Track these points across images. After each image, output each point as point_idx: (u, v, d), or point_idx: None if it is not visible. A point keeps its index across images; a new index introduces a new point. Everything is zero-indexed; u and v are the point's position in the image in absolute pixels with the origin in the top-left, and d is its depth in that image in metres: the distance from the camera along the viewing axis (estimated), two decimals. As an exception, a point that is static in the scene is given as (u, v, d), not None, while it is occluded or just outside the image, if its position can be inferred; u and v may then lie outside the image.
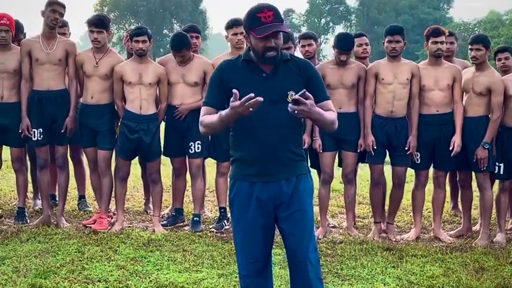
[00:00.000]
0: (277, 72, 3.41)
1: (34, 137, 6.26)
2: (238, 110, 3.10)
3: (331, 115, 3.40)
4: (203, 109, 3.49)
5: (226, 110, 3.19)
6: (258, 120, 3.29)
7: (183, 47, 6.20)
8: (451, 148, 6.05)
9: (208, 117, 3.40)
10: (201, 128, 3.45)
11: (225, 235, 6.20)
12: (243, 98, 3.07)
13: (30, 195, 7.49)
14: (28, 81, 6.23)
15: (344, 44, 6.19)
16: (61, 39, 6.28)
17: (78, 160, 7.24)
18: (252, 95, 3.05)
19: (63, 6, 6.18)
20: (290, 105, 3.11)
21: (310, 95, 3.13)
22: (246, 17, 3.39)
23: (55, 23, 6.15)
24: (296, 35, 6.88)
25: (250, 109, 3.09)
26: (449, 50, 6.62)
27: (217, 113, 3.36)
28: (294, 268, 3.49)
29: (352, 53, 6.33)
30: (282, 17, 3.38)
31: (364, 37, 6.82)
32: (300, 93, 3.12)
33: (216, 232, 6.27)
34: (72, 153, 7.13)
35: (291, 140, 3.42)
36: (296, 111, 3.10)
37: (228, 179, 3.60)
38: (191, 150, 6.37)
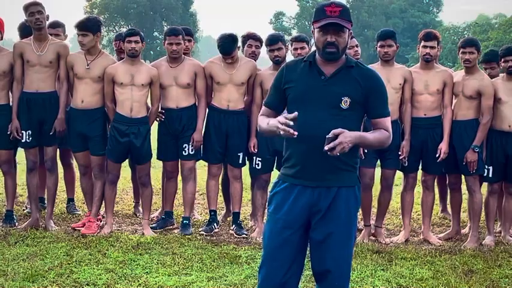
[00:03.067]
0: (336, 76, 3.33)
1: (23, 139, 6.23)
2: (277, 126, 3.15)
3: (379, 136, 3.34)
4: (262, 108, 3.59)
5: (271, 121, 3.25)
6: (308, 121, 3.25)
7: (232, 49, 6.19)
8: (437, 155, 6.07)
9: (261, 119, 3.46)
10: (257, 126, 3.54)
11: (214, 238, 6.19)
12: (289, 117, 3.12)
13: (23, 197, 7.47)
14: (20, 83, 6.19)
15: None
16: (53, 41, 6.24)
17: (67, 163, 7.20)
18: (293, 116, 3.11)
19: (37, 4, 6.10)
20: (325, 147, 3.09)
21: (339, 130, 3.10)
22: (314, 10, 3.38)
23: (39, 24, 6.10)
24: (287, 37, 6.85)
25: (282, 133, 3.13)
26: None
27: (273, 112, 3.47)
28: (316, 279, 3.45)
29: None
30: (350, 18, 3.33)
31: (354, 39, 6.78)
32: (334, 133, 3.10)
33: (205, 235, 6.25)
34: (61, 156, 7.09)
35: None
36: (330, 153, 3.09)
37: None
38: (184, 152, 6.36)
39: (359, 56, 6.68)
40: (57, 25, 6.78)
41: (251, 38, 6.69)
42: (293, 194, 3.35)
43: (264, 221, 6.59)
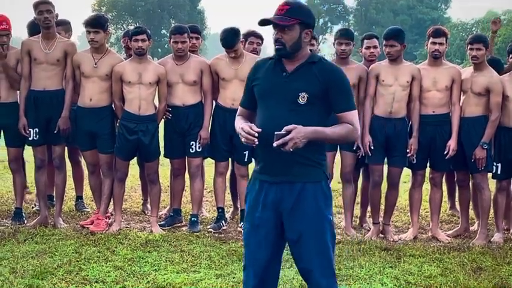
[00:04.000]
0: (297, 72, 3.36)
1: (30, 137, 6.26)
2: (239, 133, 3.28)
3: (340, 131, 3.32)
4: (239, 108, 3.63)
5: (239, 125, 3.33)
6: (269, 118, 3.32)
7: (234, 42, 6.18)
8: (445, 152, 6.05)
9: (236, 120, 3.54)
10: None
11: (222, 235, 6.20)
12: (254, 130, 3.21)
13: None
14: (27, 80, 6.21)
15: (343, 32, 6.31)
16: (61, 40, 6.26)
17: (76, 161, 7.22)
18: (256, 134, 3.19)
19: (47, 3, 6.13)
20: (274, 143, 3.12)
21: (292, 126, 3.13)
22: None
23: (48, 23, 6.12)
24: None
25: (243, 140, 3.24)
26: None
27: (247, 112, 3.55)
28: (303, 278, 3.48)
29: (352, 47, 6.28)
30: (301, 15, 3.34)
31: (375, 39, 6.60)
32: (286, 129, 3.12)
33: (213, 232, 6.26)
34: (69, 154, 7.12)
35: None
36: (282, 148, 3.12)
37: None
38: (191, 149, 6.36)
39: (374, 58, 6.58)
40: (60, 23, 6.79)
41: (252, 35, 6.71)
42: (263, 192, 3.38)
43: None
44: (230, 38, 6.15)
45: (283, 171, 3.32)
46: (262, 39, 6.70)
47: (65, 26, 6.85)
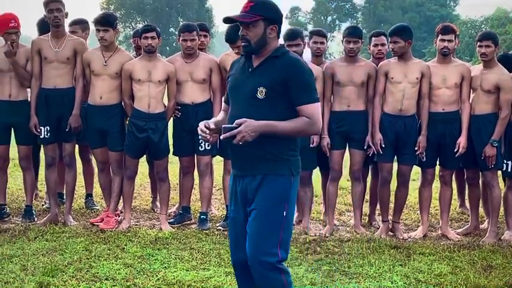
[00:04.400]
0: (259, 68, 3.43)
1: (41, 135, 6.28)
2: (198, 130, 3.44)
3: (295, 124, 3.34)
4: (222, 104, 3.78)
5: (203, 122, 3.45)
6: (234, 113, 3.43)
7: (237, 37, 6.16)
8: (456, 150, 6.03)
9: (219, 116, 3.72)
10: None
11: (232, 233, 6.19)
12: (203, 127, 3.37)
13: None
14: (38, 79, 6.23)
15: (351, 30, 6.29)
16: (71, 38, 6.28)
17: (86, 159, 7.24)
18: (207, 131, 3.38)
19: (57, 1, 6.14)
20: (221, 136, 3.23)
21: (243, 120, 3.21)
22: None
23: (57, 21, 6.14)
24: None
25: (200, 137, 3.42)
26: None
27: (227, 108, 3.64)
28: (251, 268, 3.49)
29: (360, 45, 6.26)
30: (264, 12, 3.42)
31: (383, 37, 6.60)
32: (236, 123, 3.21)
33: (223, 230, 6.26)
34: (80, 151, 7.14)
35: (261, 137, 3.30)
36: (233, 141, 3.20)
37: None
38: (201, 147, 6.36)
39: (382, 56, 6.58)
40: (73, 23, 6.80)
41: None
42: (235, 186, 3.52)
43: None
44: (233, 33, 6.14)
45: (248, 166, 3.42)
46: None
47: (82, 25, 6.87)
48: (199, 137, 3.42)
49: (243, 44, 3.44)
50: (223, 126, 3.24)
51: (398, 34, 6.04)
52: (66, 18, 6.27)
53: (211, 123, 3.42)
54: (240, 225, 3.51)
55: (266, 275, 3.40)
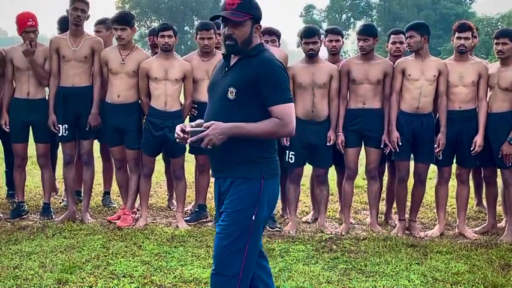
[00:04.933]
0: (233, 68, 3.32)
1: (59, 133, 6.33)
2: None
3: (264, 126, 3.20)
4: None
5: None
6: (208, 115, 3.36)
7: None
8: (472, 148, 6.00)
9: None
10: None
11: (248, 231, 6.20)
12: (178, 131, 3.30)
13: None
14: (56, 77, 6.28)
15: (362, 29, 6.26)
16: (88, 37, 6.33)
17: (107, 157, 7.28)
18: (181, 134, 3.27)
19: (85, 2, 6.21)
20: (188, 139, 3.16)
21: (210, 123, 3.13)
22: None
23: (78, 20, 6.20)
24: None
25: (177, 140, 3.30)
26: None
27: None
28: None
29: (372, 43, 6.21)
30: (252, 10, 3.27)
31: (402, 35, 6.54)
32: (194, 128, 3.19)
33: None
34: (102, 150, 7.19)
35: (231, 139, 3.20)
36: (200, 144, 3.13)
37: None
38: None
39: (400, 53, 6.55)
40: (98, 22, 6.83)
41: (266, 33, 6.51)
42: (215, 186, 3.47)
43: (297, 214, 6.61)
44: None
45: (220, 168, 3.37)
46: (278, 35, 6.64)
47: (107, 25, 6.91)
48: (176, 140, 3.32)
49: (228, 43, 3.26)
50: (190, 130, 3.14)
51: (414, 29, 6.03)
52: (86, 20, 6.31)
53: (187, 126, 3.31)
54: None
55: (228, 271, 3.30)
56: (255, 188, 3.28)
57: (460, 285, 4.74)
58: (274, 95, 3.23)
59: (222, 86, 3.31)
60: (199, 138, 3.11)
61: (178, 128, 3.31)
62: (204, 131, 3.11)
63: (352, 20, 66.14)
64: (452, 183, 6.65)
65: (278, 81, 3.25)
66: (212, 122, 3.13)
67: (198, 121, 3.46)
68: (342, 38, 6.60)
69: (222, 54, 3.45)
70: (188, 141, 3.17)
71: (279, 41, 6.68)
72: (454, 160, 6.32)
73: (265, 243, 5.72)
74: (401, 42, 6.52)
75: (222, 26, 3.33)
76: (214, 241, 3.37)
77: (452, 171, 6.41)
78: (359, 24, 62.29)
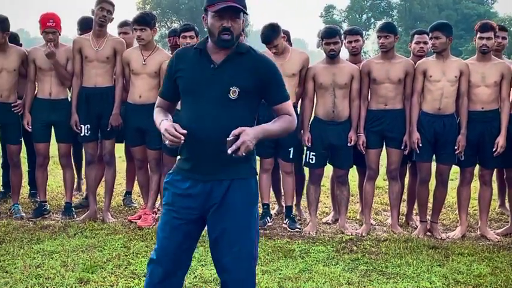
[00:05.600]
0: (226, 64, 3.16)
1: (81, 133, 6.38)
2: (163, 134, 3.07)
3: (282, 123, 3.21)
4: (158, 99, 3.43)
5: (162, 124, 3.13)
6: (198, 114, 3.13)
7: (273, 37, 6.14)
8: (494, 149, 5.94)
9: (156, 111, 3.33)
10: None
11: (268, 232, 6.20)
12: (179, 131, 3.01)
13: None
14: (79, 78, 6.33)
15: (383, 25, 6.25)
16: (111, 38, 6.36)
17: (131, 157, 7.32)
18: (182, 137, 3.00)
19: (111, 4, 6.27)
20: (228, 151, 2.97)
21: (239, 129, 2.97)
22: None
23: (103, 21, 6.24)
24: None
25: (167, 142, 3.03)
26: (500, 44, 6.49)
27: (167, 103, 3.36)
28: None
29: (393, 41, 6.16)
30: (244, 3, 3.15)
31: (425, 35, 6.46)
32: (234, 134, 2.97)
33: (259, 229, 6.26)
34: (126, 150, 7.23)
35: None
36: (236, 154, 2.97)
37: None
38: (236, 146, 6.36)
39: (423, 53, 6.51)
40: (124, 24, 6.86)
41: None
42: (191, 189, 3.21)
43: (317, 215, 6.59)
44: (269, 34, 6.14)
45: (214, 170, 3.17)
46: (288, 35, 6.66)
47: (130, 26, 6.95)
48: (167, 142, 3.04)
49: (225, 37, 3.09)
50: (227, 139, 2.96)
51: (440, 29, 5.97)
52: (110, 22, 6.35)
53: (178, 127, 3.06)
54: (184, 234, 3.25)
55: (253, 279, 3.29)
56: (254, 185, 3.27)
57: (483, 288, 4.70)
58: (282, 93, 3.27)
59: (217, 84, 3.14)
60: (238, 146, 2.98)
61: (172, 128, 3.04)
62: (237, 139, 2.98)
63: (372, 20, 65.79)
64: (474, 184, 6.59)
65: (281, 79, 3.29)
66: (241, 128, 2.99)
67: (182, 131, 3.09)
68: (362, 37, 6.57)
69: (196, 47, 3.24)
70: (229, 151, 2.98)
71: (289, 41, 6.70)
72: (477, 161, 6.26)
73: (286, 244, 5.72)
74: (425, 43, 6.47)
75: (211, 18, 3.13)
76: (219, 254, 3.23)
77: (474, 172, 6.35)
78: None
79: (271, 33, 6.13)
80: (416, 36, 6.60)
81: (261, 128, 3.11)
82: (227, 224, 3.18)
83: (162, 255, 3.26)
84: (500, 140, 5.94)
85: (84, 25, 6.67)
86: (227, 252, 3.20)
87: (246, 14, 3.17)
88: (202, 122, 3.12)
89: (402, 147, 6.15)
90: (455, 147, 6.00)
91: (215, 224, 3.21)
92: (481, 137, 6.05)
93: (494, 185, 6.77)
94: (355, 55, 6.49)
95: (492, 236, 6.14)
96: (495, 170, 6.45)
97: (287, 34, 6.63)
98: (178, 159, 3.32)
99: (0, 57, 6.34)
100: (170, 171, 3.36)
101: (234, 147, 2.96)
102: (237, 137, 2.97)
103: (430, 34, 6.02)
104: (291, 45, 6.68)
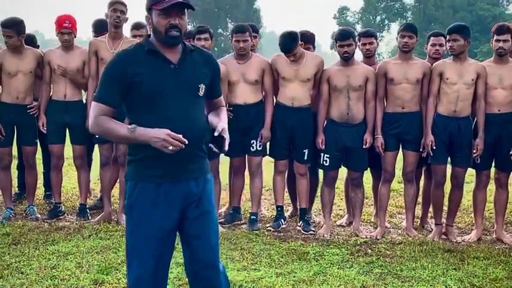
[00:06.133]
0: (184, 63, 3.18)
1: (96, 135, 6.40)
2: (160, 140, 2.98)
3: (225, 115, 3.41)
4: (96, 106, 3.14)
5: (144, 131, 3.02)
6: (168, 116, 3.09)
7: (292, 46, 6.14)
8: (511, 153, 5.90)
9: (112, 124, 3.12)
10: (94, 128, 3.17)
11: (282, 234, 6.20)
12: (177, 135, 2.97)
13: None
14: (94, 79, 6.34)
15: (406, 26, 6.22)
16: (127, 40, 6.37)
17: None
18: (186, 141, 2.99)
19: (123, 4, 6.30)
20: (213, 147, 3.12)
21: (220, 125, 3.15)
22: None
23: (118, 22, 6.27)
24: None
25: (170, 148, 2.97)
26: None
27: (112, 112, 3.15)
28: (200, 274, 3.32)
29: (415, 41, 6.15)
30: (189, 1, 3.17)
31: (442, 37, 6.47)
32: (219, 130, 3.12)
33: (273, 231, 6.27)
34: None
35: (200, 136, 3.21)
36: (221, 150, 3.13)
37: (124, 181, 3.33)
38: (252, 148, 6.39)
39: (439, 56, 6.46)
40: (140, 26, 6.90)
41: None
42: (162, 193, 3.17)
43: (331, 217, 6.58)
44: (288, 43, 6.12)
45: (190, 168, 3.20)
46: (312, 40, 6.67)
47: (146, 29, 6.97)
48: (170, 148, 2.99)
49: (175, 34, 3.10)
50: (215, 135, 3.09)
51: (458, 32, 5.93)
52: (125, 22, 6.38)
53: (167, 130, 3.02)
54: (168, 238, 3.25)
55: (220, 279, 3.38)
56: (212, 182, 3.39)
57: (499, 292, 4.67)
58: (220, 87, 3.50)
59: (184, 82, 3.15)
60: (226, 143, 3.15)
61: (174, 135, 2.99)
62: (222, 136, 3.11)
63: (386, 21, 65.57)
64: (490, 187, 6.54)
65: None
66: (221, 124, 3.15)
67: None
68: (376, 39, 6.56)
69: (146, 49, 3.16)
70: (226, 148, 3.15)
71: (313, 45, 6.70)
72: (493, 164, 6.22)
73: (300, 246, 5.71)
74: (441, 45, 6.44)
75: (157, 16, 3.11)
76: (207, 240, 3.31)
77: (491, 175, 6.31)
78: (393, 26, 61.87)
79: (291, 42, 6.10)
80: (432, 38, 6.57)
81: (224, 121, 3.29)
82: (205, 209, 3.27)
83: (146, 265, 3.25)
84: (517, 143, 5.90)
85: (99, 27, 6.71)
86: (208, 247, 3.30)
87: (193, 9, 3.19)
88: (174, 122, 3.07)
89: (420, 150, 6.12)
90: (474, 151, 5.96)
91: (195, 220, 3.25)
92: (498, 140, 6.01)
93: (511, 188, 6.70)
94: (369, 57, 6.47)
95: (508, 239, 6.10)
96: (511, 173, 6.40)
97: (312, 37, 6.63)
98: (138, 166, 3.21)
99: (16, 59, 6.39)
100: (128, 179, 3.26)
101: (227, 142, 3.15)
102: (221, 133, 3.13)
103: (448, 36, 5.98)
104: (314, 48, 6.69)
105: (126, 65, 3.12)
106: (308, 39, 6.61)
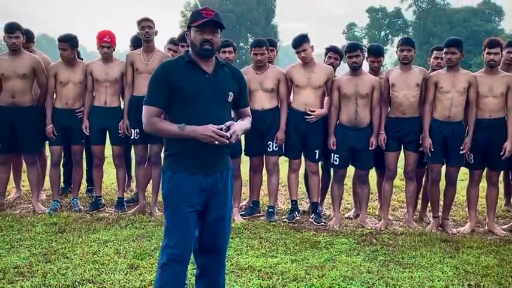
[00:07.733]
0: (217, 74, 3.35)
1: (132, 136, 6.46)
2: (208, 136, 3.14)
3: (247, 123, 3.48)
4: (148, 109, 3.29)
5: (193, 128, 3.15)
6: (203, 116, 3.23)
7: (302, 41, 6.19)
8: (502, 153, 5.85)
9: (163, 124, 3.26)
10: (147, 127, 3.32)
11: (296, 225, 6.20)
12: (222, 132, 3.14)
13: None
14: (130, 87, 6.41)
15: (404, 40, 6.21)
16: (158, 52, 6.42)
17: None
18: (229, 135, 3.15)
19: (149, 20, 6.35)
20: (233, 138, 3.17)
21: (229, 122, 3.22)
22: (190, 15, 3.36)
23: (148, 36, 6.32)
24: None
25: (216, 142, 3.14)
26: (509, 59, 6.36)
27: (160, 112, 3.29)
28: (208, 251, 3.47)
29: (413, 54, 6.11)
30: (222, 23, 3.29)
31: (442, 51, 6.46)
32: (226, 125, 3.19)
33: (288, 222, 6.28)
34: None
35: None
36: (229, 141, 3.16)
37: (162, 172, 3.41)
38: (269, 148, 6.40)
39: (440, 68, 6.40)
40: (174, 42, 6.89)
41: (331, 50, 6.71)
42: (191, 181, 3.26)
43: (340, 211, 6.57)
44: (299, 38, 6.19)
45: (217, 163, 3.34)
46: (341, 55, 6.68)
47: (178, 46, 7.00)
48: (216, 142, 3.14)
49: (208, 47, 3.25)
50: (223, 127, 3.17)
51: (456, 45, 5.91)
52: (155, 35, 6.43)
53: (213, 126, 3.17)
54: (194, 223, 3.34)
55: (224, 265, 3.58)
56: (231, 175, 3.50)
57: (490, 278, 4.62)
58: (247, 99, 3.61)
59: (217, 90, 3.30)
60: (232, 134, 3.19)
61: (218, 131, 3.15)
62: (228, 129, 3.19)
63: (390, 36, 65.25)
64: (482, 184, 6.49)
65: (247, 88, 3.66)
66: (231, 121, 3.24)
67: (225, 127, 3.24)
68: (383, 58, 6.51)
69: (187, 61, 3.30)
70: (233, 140, 3.19)
71: (339, 60, 6.72)
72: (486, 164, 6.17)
73: (312, 236, 5.71)
74: (442, 58, 6.42)
75: (194, 32, 3.26)
76: (220, 232, 3.44)
77: (482, 174, 6.27)
78: (396, 40, 61.47)
79: (302, 38, 6.19)
80: (435, 52, 6.59)
81: (240, 123, 3.37)
82: (224, 212, 3.42)
83: (181, 237, 3.31)
84: (508, 145, 5.84)
85: (136, 42, 6.78)
86: (222, 235, 3.45)
87: (224, 28, 3.32)
88: (206, 121, 3.19)
89: (419, 150, 6.10)
90: (461, 148, 5.92)
91: (216, 209, 3.37)
92: (489, 142, 5.97)
93: (501, 186, 6.67)
94: (376, 71, 6.45)
95: (499, 231, 6.05)
96: (501, 171, 6.35)
97: (341, 55, 6.65)
98: (175, 159, 3.31)
99: (69, 70, 6.48)
100: (166, 170, 3.35)
101: (228, 134, 3.16)
102: (228, 127, 3.19)
103: (446, 49, 5.93)
104: (341, 63, 6.74)
105: (169, 72, 3.27)
106: (339, 51, 6.72)
